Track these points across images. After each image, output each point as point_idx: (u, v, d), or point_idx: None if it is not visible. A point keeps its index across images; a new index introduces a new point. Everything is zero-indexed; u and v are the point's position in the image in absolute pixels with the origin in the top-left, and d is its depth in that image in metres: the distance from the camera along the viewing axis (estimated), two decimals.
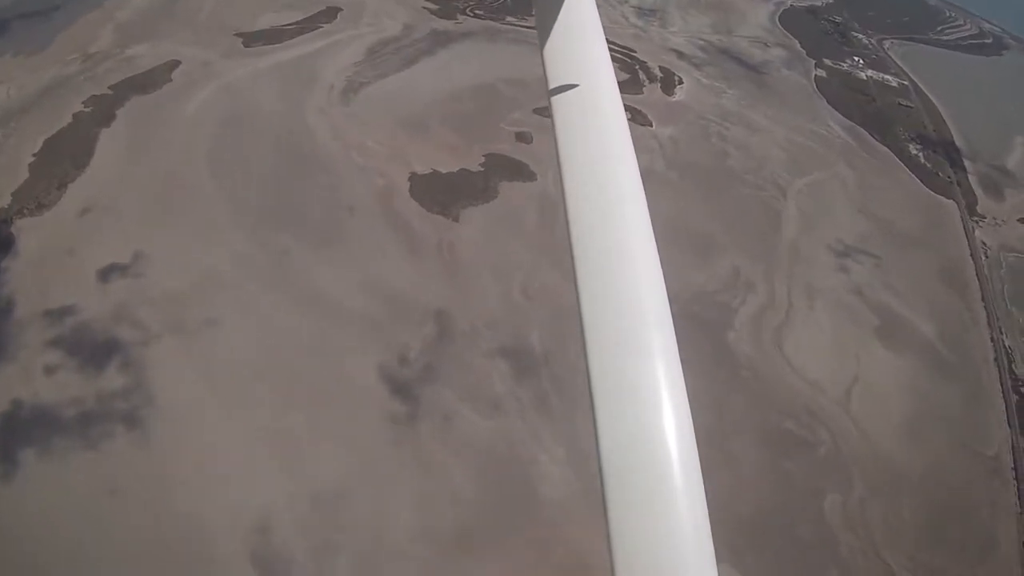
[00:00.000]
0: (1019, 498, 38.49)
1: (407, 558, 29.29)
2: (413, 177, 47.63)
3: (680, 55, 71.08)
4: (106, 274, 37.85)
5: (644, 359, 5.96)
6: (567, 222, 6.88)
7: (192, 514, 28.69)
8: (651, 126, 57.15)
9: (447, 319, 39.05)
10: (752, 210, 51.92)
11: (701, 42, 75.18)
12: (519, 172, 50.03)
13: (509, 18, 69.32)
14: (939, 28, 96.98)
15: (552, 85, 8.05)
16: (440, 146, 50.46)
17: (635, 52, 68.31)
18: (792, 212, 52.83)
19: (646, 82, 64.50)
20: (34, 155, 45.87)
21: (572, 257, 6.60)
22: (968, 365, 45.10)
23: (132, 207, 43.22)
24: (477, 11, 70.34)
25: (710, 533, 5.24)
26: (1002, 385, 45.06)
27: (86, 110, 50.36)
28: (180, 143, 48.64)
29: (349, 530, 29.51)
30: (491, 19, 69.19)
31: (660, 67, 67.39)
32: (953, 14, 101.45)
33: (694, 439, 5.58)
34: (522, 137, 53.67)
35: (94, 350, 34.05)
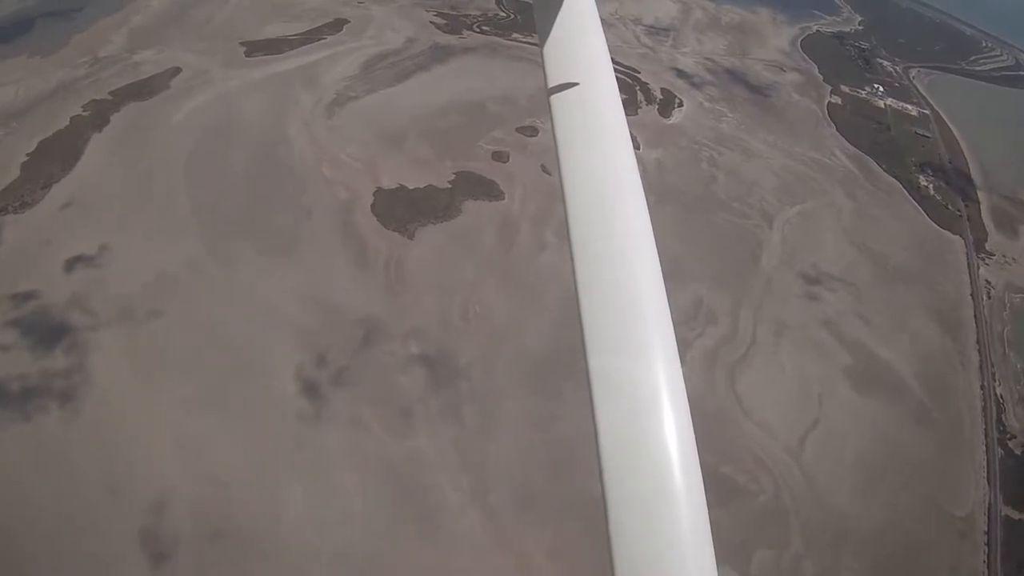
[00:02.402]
0: (988, 565, 33.68)
1: (283, 564, 27.59)
2: (378, 192, 45.26)
3: (686, 77, 67.09)
4: (72, 264, 38.14)
5: (644, 359, 5.71)
6: (567, 222, 6.47)
7: (95, 487, 28.67)
8: (638, 148, 53.34)
9: (375, 332, 36.80)
10: (730, 238, 47.72)
11: (711, 64, 70.94)
12: (487, 191, 47.06)
13: (515, 34, 66.48)
14: (972, 58, 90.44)
15: (552, 84, 7.49)
16: (413, 162, 47.92)
17: (639, 73, 64.66)
18: (775, 242, 48.39)
19: (643, 103, 60.75)
20: (28, 155, 45.54)
21: (572, 257, 6.26)
22: (949, 413, 40.15)
23: (107, 205, 42.51)
24: (484, 27, 67.72)
25: (710, 534, 5.02)
26: (986, 437, 39.97)
27: (84, 114, 49.80)
28: (164, 149, 47.44)
29: (236, 523, 28.34)
30: (496, 35, 66.45)
31: (662, 89, 63.57)
32: (990, 44, 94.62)
33: (694, 440, 5.31)
34: (498, 156, 50.68)
35: (47, 332, 34.43)
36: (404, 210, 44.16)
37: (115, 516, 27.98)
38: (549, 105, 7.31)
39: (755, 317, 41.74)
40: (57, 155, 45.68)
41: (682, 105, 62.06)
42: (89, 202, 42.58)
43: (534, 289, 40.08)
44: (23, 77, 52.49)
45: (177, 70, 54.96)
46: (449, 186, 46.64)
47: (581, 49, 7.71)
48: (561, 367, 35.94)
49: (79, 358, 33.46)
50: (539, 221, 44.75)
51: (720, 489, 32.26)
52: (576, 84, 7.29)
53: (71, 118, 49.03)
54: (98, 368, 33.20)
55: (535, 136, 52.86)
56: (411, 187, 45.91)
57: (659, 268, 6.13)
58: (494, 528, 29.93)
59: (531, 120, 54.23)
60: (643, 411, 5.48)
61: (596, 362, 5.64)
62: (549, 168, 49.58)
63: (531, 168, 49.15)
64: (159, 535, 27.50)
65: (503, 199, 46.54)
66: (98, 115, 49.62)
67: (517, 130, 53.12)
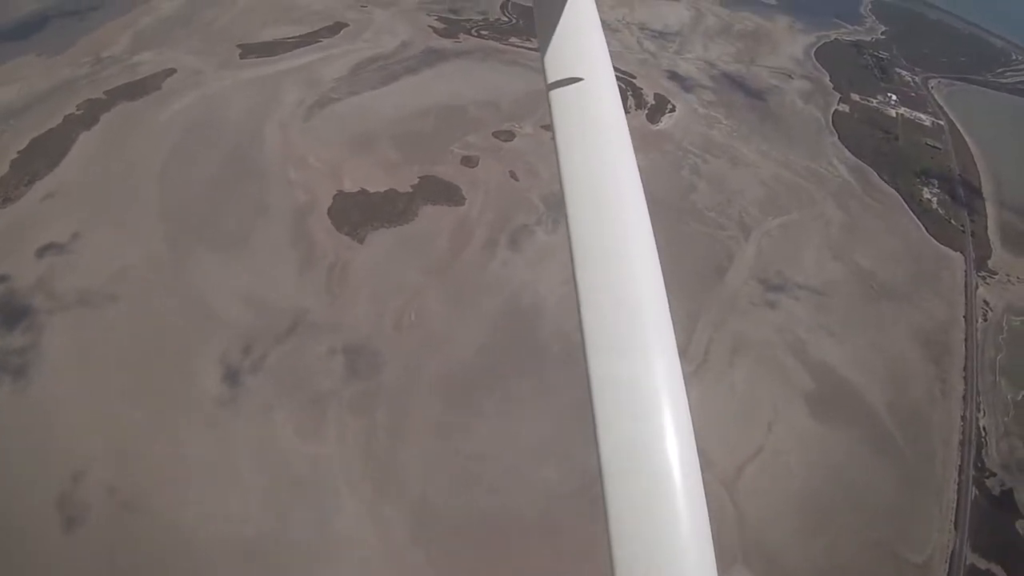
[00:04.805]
0: None
1: (181, 544, 26.58)
2: (338, 195, 42.28)
3: (683, 82, 61.92)
4: (43, 251, 37.62)
5: (644, 359, 5.43)
6: (566, 221, 6.03)
7: (27, 454, 28.68)
8: None
9: (304, 334, 34.31)
10: (700, 249, 42.99)
11: (714, 70, 65.55)
12: (448, 196, 43.48)
13: (513, 39, 62.46)
14: (999, 70, 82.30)
15: (551, 80, 6.88)
16: (379, 165, 44.68)
17: (634, 78, 59.98)
18: (748, 254, 43.49)
19: (632, 108, 56.01)
20: (19, 152, 44.50)
21: (571, 256, 5.85)
22: (920, 446, 35.09)
23: (84, 200, 41.13)
24: (483, 31, 63.74)
25: (710, 535, 4.81)
26: (960, 475, 34.69)
27: (76, 113, 48.29)
28: (145, 147, 45.69)
29: (145, 499, 27.68)
30: (494, 39, 62.52)
31: (656, 94, 58.76)
32: (1020, 57, 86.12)
33: (694, 440, 5.06)
34: (467, 160, 46.96)
35: (11, 313, 34.18)
36: (360, 214, 41.05)
37: (38, 480, 27.79)
38: (548, 102, 6.77)
39: (712, 333, 37.23)
40: (45, 153, 44.50)
41: (673, 110, 57.13)
42: (68, 196, 41.27)
43: (474, 300, 36.62)
44: (29, 76, 51.49)
45: (172, 71, 53.04)
46: (410, 190, 43.17)
47: (581, 47, 7.20)
48: (484, 382, 32.75)
49: (35, 338, 33.10)
50: (495, 229, 41.13)
51: None
52: (576, 79, 6.82)
53: (64, 116, 47.71)
54: (50, 348, 32.80)
55: (510, 141, 49.12)
56: (372, 191, 42.70)
57: (659, 267, 5.78)
58: (385, 539, 27.34)
59: (510, 125, 50.45)
60: (643, 411, 5.18)
61: (596, 362, 5.30)
62: (518, 174, 45.88)
63: (499, 174, 45.47)
64: (74, 501, 27.40)
65: (463, 205, 42.84)
66: (89, 114, 48.14)
67: (493, 135, 49.42)
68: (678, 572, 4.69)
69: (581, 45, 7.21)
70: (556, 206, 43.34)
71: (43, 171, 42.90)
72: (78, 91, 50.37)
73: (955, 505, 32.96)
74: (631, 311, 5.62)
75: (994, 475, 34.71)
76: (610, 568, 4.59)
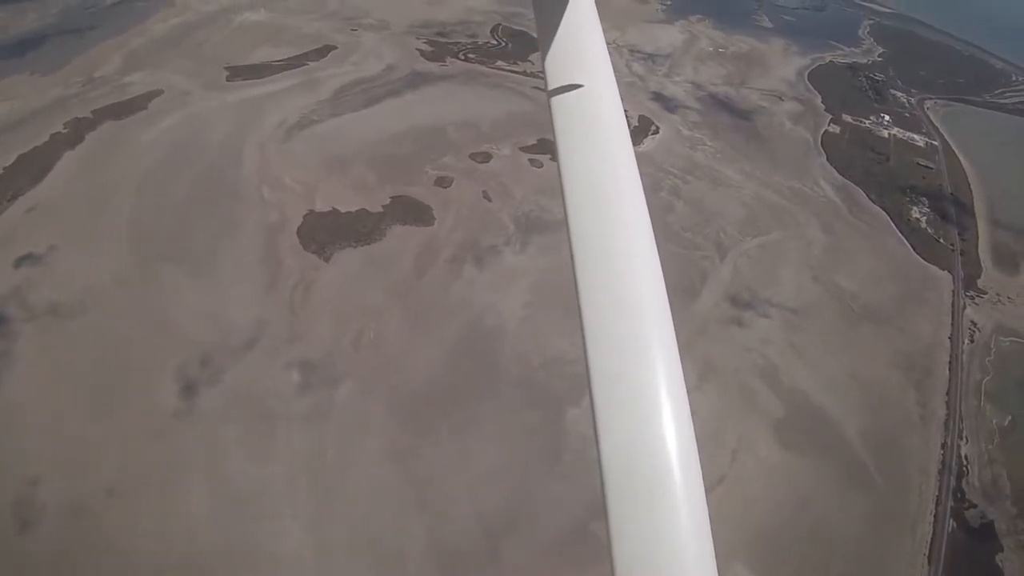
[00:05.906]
0: None
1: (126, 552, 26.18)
2: (309, 215, 41.65)
3: (668, 104, 60.78)
4: (20, 261, 37.90)
5: (644, 359, 5.36)
6: (566, 222, 5.99)
7: None
8: None
9: (260, 352, 33.56)
10: (672, 270, 41.25)
11: (702, 93, 64.35)
12: (418, 216, 42.58)
13: (500, 62, 61.72)
14: (998, 91, 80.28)
15: (552, 86, 6.85)
16: (353, 186, 43.95)
17: None
18: (723, 276, 41.98)
19: None
20: (4, 168, 44.55)
21: (571, 257, 5.78)
22: (894, 476, 33.28)
23: (62, 215, 41.14)
24: (470, 55, 63.14)
25: (710, 534, 4.71)
26: (937, 506, 32.74)
27: (63, 131, 48.35)
28: (125, 166, 45.51)
29: (96, 508, 27.43)
30: (480, 63, 61.85)
31: (640, 116, 57.67)
32: (1020, 78, 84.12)
33: (694, 440, 4.99)
34: (442, 181, 46.12)
35: None
36: (329, 233, 40.32)
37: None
38: (549, 107, 6.70)
39: (679, 358, 35.61)
40: (30, 169, 44.57)
41: (657, 132, 55.94)
42: (48, 210, 41.41)
43: (435, 321, 35.50)
44: (22, 94, 51.92)
45: (159, 91, 52.98)
46: (381, 211, 42.36)
47: (581, 51, 7.11)
48: (440, 403, 31.50)
49: (7, 345, 33.37)
50: (463, 248, 40.16)
51: (583, 551, 26.61)
52: (576, 86, 6.71)
53: (51, 135, 47.86)
54: (19, 356, 33.04)
55: (487, 162, 48.26)
56: (343, 211, 41.99)
57: (660, 268, 5.69)
58: (327, 563, 26.29)
59: (488, 146, 49.65)
60: (643, 411, 5.08)
61: (596, 362, 5.23)
62: (491, 195, 44.97)
63: (472, 194, 44.53)
64: (31, 505, 27.37)
65: (432, 224, 41.92)
66: (75, 133, 48.30)
67: (470, 156, 48.59)
68: (678, 571, 4.61)
69: (582, 49, 7.13)
70: (527, 227, 42.37)
71: (27, 186, 43.06)
72: (68, 110, 50.54)
73: (930, 537, 31.09)
74: (631, 311, 5.53)
75: (975, 506, 32.80)
76: (610, 567, 4.51)
